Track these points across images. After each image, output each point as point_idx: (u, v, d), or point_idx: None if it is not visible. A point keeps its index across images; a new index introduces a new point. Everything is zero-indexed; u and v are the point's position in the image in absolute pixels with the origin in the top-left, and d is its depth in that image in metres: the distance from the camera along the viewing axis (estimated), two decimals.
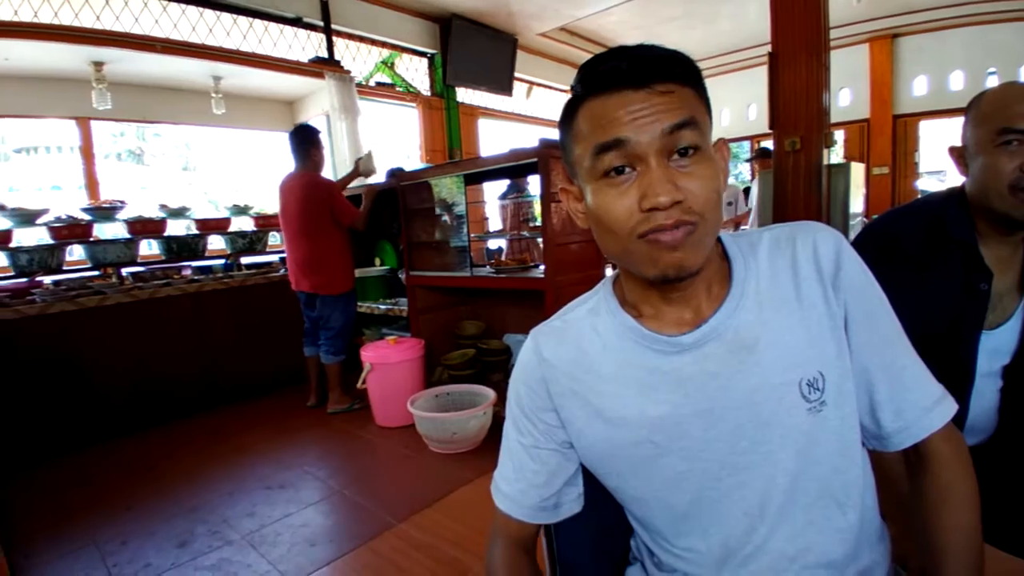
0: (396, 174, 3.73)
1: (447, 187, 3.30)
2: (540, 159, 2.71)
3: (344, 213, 3.52)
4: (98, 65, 3.74)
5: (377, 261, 4.57)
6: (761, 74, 3.61)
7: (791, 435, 0.69)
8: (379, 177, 4.12)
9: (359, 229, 3.64)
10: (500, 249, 5.12)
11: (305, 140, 3.52)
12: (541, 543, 0.88)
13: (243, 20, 4.63)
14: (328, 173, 4.94)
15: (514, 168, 3.03)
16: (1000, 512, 1.07)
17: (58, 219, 3.55)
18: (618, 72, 0.63)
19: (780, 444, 0.69)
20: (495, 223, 5.76)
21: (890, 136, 7.17)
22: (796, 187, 3.20)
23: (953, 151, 1.14)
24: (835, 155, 5.52)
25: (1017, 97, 1.01)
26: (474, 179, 3.51)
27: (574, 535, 0.87)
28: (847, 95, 7.56)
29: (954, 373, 1.10)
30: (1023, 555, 1.07)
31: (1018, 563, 1.04)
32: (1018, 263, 1.12)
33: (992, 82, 6.56)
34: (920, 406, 0.72)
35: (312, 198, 3.45)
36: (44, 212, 3.52)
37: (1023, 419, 1.15)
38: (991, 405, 1.15)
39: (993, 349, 1.12)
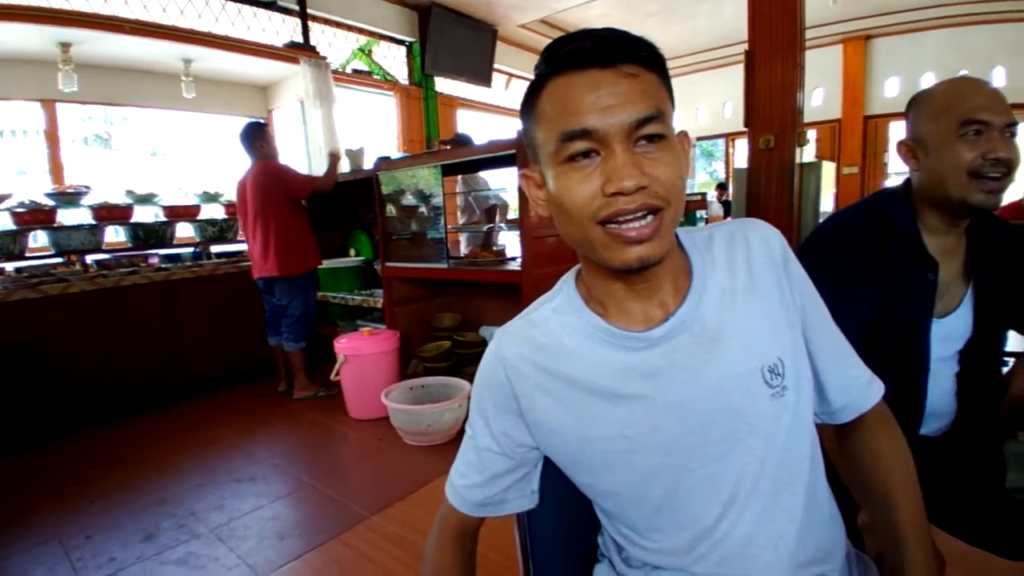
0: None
1: (424, 178, 3.27)
2: (518, 151, 2.71)
3: (299, 185, 3.53)
4: (65, 46, 3.63)
5: (352, 252, 4.53)
6: (737, 72, 3.64)
7: (758, 422, 0.70)
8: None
9: (327, 192, 3.62)
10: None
11: (252, 136, 3.56)
12: (514, 537, 0.88)
13: (215, 1, 4.53)
14: (302, 160, 4.89)
15: (492, 159, 3.03)
16: (958, 499, 1.11)
17: (21, 204, 3.44)
18: (583, 51, 0.62)
19: (749, 431, 0.70)
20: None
21: (860, 136, 7.32)
22: (768, 184, 3.24)
23: (904, 146, 1.18)
24: (807, 154, 5.61)
25: (973, 90, 1.08)
26: (452, 170, 3.49)
27: (545, 531, 0.87)
28: (820, 95, 7.69)
29: (910, 361, 1.15)
30: (980, 542, 1.11)
31: (966, 548, 1.09)
32: (962, 252, 1.18)
33: None
34: (861, 382, 0.81)
35: (266, 181, 3.48)
36: (7, 197, 3.41)
37: (979, 402, 1.21)
38: (948, 389, 1.20)
39: (945, 336, 1.17)
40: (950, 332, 1.17)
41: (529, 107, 0.69)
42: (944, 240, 1.16)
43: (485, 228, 4.11)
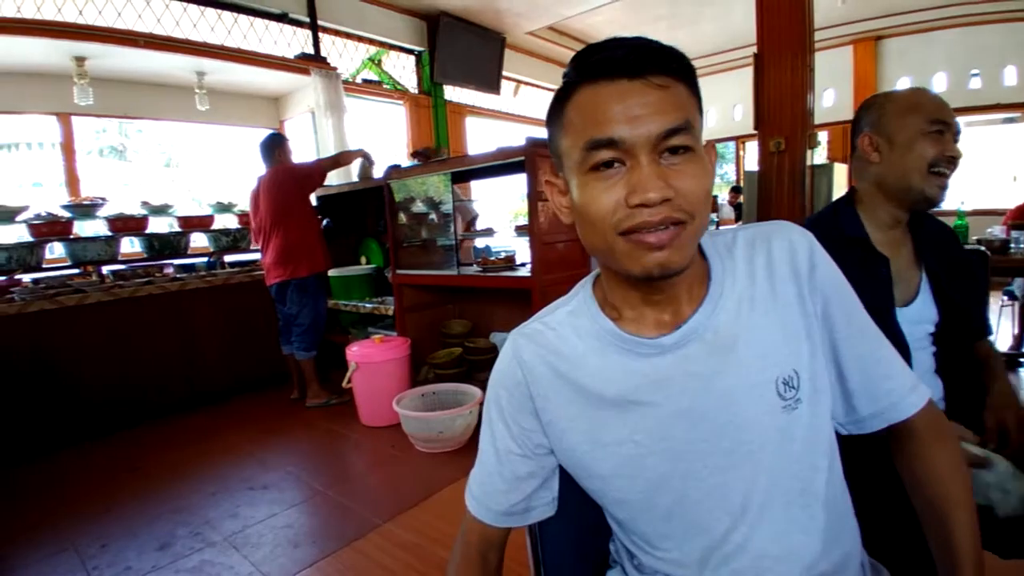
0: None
1: (434, 185, 3.29)
2: (527, 158, 2.71)
3: (309, 173, 3.70)
4: (80, 60, 3.69)
5: (363, 260, 4.55)
6: (747, 75, 3.63)
7: (769, 433, 0.69)
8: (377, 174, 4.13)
9: (338, 167, 3.91)
10: (488, 247, 5.11)
11: (271, 145, 3.70)
12: (526, 545, 0.88)
13: (228, 15, 4.59)
14: None
15: (501, 167, 3.03)
16: None
17: (38, 216, 3.50)
18: (613, 61, 0.61)
19: (760, 443, 0.69)
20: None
21: None
22: (780, 187, 3.22)
23: (868, 138, 1.28)
24: (818, 156, 5.58)
25: (934, 96, 1.23)
26: (461, 177, 3.50)
27: (557, 537, 0.87)
28: (831, 96, 7.64)
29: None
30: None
31: None
32: (909, 244, 1.32)
33: (975, 84, 6.66)
34: (897, 392, 0.76)
35: (279, 182, 3.59)
36: (24, 209, 3.46)
37: (964, 380, 1.31)
38: (929, 367, 1.29)
39: (914, 321, 1.26)
40: (918, 317, 1.27)
41: (555, 115, 0.69)
42: (891, 234, 1.30)
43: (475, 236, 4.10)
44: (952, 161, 1.20)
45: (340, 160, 3.87)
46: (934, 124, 1.19)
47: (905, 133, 1.21)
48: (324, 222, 4.31)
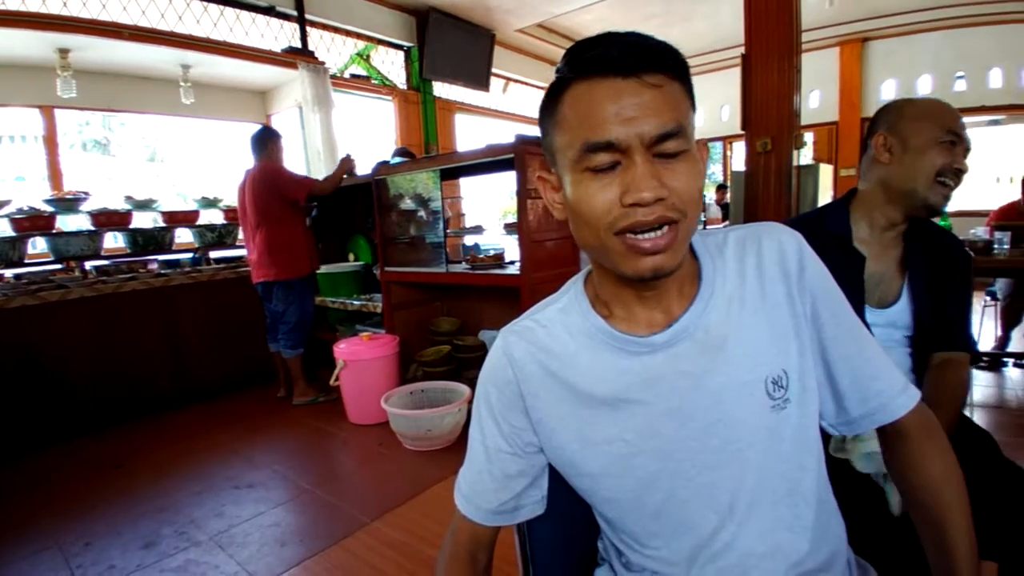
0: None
1: (423, 182, 3.28)
2: (516, 155, 2.71)
3: (295, 187, 3.52)
4: (64, 52, 3.64)
5: (351, 256, 4.53)
6: (734, 76, 3.65)
7: (758, 433, 0.69)
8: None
9: (324, 194, 3.63)
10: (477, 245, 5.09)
11: (263, 139, 3.57)
12: (514, 542, 0.88)
13: (214, 7, 4.54)
14: (300, 165, 4.89)
15: (490, 164, 3.03)
16: None
17: (20, 210, 3.44)
18: (608, 58, 0.61)
19: (748, 442, 0.70)
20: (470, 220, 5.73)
21: (858, 138, 7.33)
22: (767, 187, 3.24)
23: (883, 137, 1.31)
24: (804, 156, 5.61)
25: (951, 109, 1.26)
26: (450, 174, 3.49)
27: (546, 535, 0.87)
28: (816, 97, 7.70)
29: None
30: None
31: None
32: (899, 249, 1.34)
33: (960, 86, 6.74)
34: (887, 393, 0.76)
35: (261, 186, 3.48)
36: (6, 203, 3.41)
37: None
38: (906, 367, 1.32)
39: (890, 324, 1.30)
40: (895, 321, 1.31)
41: (549, 111, 0.68)
42: (882, 236, 1.33)
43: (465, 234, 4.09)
44: (958, 174, 1.24)
45: (328, 184, 3.62)
46: (948, 134, 1.22)
47: (919, 138, 1.24)
48: (312, 212, 4.23)
